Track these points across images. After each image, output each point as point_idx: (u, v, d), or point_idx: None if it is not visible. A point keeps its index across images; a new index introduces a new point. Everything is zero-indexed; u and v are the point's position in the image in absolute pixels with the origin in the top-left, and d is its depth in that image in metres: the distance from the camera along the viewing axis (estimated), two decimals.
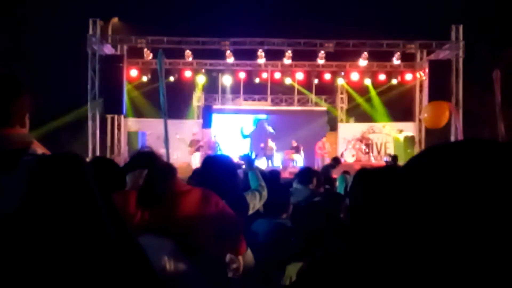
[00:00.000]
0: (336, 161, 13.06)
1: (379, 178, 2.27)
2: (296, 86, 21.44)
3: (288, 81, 20.36)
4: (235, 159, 4.52)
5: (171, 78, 19.32)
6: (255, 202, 3.96)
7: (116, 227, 1.50)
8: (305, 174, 6.28)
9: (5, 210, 1.47)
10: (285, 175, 14.37)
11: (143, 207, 2.58)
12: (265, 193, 4.08)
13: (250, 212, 3.91)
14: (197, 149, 18.42)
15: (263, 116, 21.67)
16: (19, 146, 2.31)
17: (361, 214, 2.20)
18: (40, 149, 2.36)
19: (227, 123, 21.64)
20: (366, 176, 2.54)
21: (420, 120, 19.63)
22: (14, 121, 2.33)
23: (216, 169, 3.76)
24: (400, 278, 0.60)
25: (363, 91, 21.35)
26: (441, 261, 0.57)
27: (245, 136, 20.59)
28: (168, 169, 2.84)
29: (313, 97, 22.14)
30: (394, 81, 20.24)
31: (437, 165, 0.64)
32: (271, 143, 19.86)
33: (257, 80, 20.37)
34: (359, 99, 21.79)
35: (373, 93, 21.22)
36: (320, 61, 19.38)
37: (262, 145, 19.94)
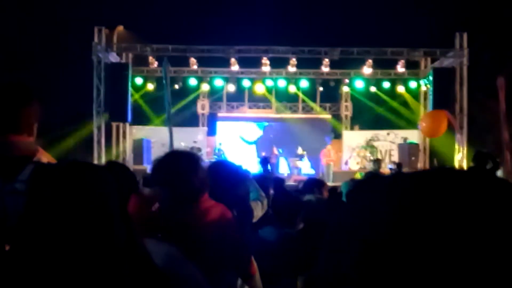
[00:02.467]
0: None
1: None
2: (301, 93, 21.46)
3: (292, 88, 20.36)
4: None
5: (176, 86, 19.38)
6: (258, 211, 3.96)
7: (126, 232, 1.53)
8: (312, 183, 6.34)
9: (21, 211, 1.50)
10: (290, 182, 14.36)
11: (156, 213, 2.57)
12: (265, 202, 4.09)
13: (254, 220, 3.92)
14: None
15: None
16: (25, 153, 2.35)
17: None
18: (45, 158, 2.40)
19: (232, 131, 21.67)
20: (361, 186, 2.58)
21: None
22: (22, 129, 2.37)
23: (222, 176, 3.74)
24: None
25: (367, 98, 21.34)
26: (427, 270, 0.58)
27: (250, 143, 20.62)
28: (199, 189, 2.65)
29: (317, 104, 22.17)
30: (399, 89, 20.24)
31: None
32: (276, 151, 19.89)
33: (261, 88, 20.38)
34: (364, 107, 21.78)
35: (377, 100, 21.22)
36: (325, 69, 19.42)
37: (263, 153, 19.96)
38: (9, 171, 2.26)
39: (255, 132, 21.78)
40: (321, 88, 20.49)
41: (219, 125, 21.78)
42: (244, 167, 4.55)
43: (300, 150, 19.92)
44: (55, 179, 1.52)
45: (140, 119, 20.26)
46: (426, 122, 16.62)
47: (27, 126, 2.41)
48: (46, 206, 1.46)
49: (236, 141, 21.20)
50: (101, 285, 1.40)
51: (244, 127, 21.82)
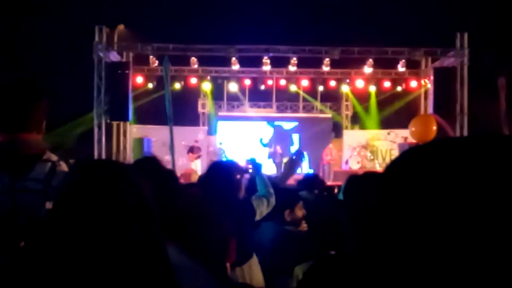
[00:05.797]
0: None
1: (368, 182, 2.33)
2: (301, 93, 21.46)
3: (293, 88, 20.37)
4: (242, 163, 4.52)
5: (177, 85, 19.39)
6: (263, 209, 3.96)
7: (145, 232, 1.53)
8: (310, 180, 6.32)
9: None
10: (290, 181, 14.34)
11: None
12: (273, 199, 4.07)
13: (258, 218, 3.92)
14: (198, 157, 18.43)
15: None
16: (34, 151, 2.36)
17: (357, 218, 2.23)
18: (53, 156, 2.41)
19: (233, 130, 21.66)
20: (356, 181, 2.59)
21: None
22: (31, 127, 2.38)
23: (220, 175, 3.77)
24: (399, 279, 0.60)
25: (368, 98, 21.33)
26: (437, 263, 0.57)
27: (264, 145, 20.63)
28: (173, 177, 2.87)
29: (318, 104, 22.16)
30: (399, 88, 20.25)
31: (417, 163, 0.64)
32: (280, 150, 19.94)
33: (262, 87, 20.40)
34: (364, 106, 21.77)
35: (378, 100, 21.20)
36: (325, 68, 19.41)
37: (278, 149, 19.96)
38: (19, 169, 2.27)
39: (269, 133, 21.70)
40: (321, 88, 20.50)
41: (220, 124, 21.77)
42: (257, 161, 4.56)
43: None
44: (81, 177, 1.54)
45: (141, 118, 20.24)
46: (415, 127, 16.57)
47: (36, 124, 2.42)
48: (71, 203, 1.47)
49: (237, 140, 21.16)
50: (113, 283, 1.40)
51: (257, 128, 21.72)
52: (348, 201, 2.69)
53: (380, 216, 0.64)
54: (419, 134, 16.09)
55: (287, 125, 21.91)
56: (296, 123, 21.89)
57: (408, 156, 0.69)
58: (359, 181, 2.45)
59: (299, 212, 4.21)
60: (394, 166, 0.70)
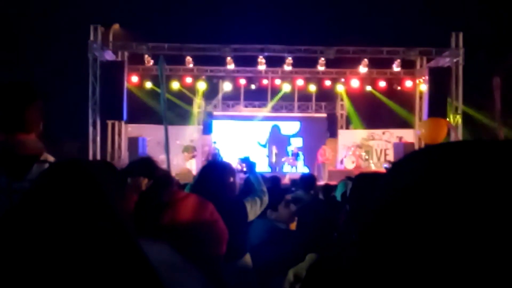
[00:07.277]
0: None
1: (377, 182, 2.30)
2: (296, 92, 21.48)
3: (288, 87, 20.36)
4: (235, 164, 4.53)
5: (172, 85, 19.37)
6: (256, 209, 3.96)
7: (117, 228, 1.51)
8: (307, 180, 6.32)
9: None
10: (285, 181, 14.37)
11: (142, 212, 2.60)
12: (266, 198, 4.08)
13: (252, 218, 3.92)
14: (193, 156, 18.44)
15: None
16: (32, 152, 2.36)
17: (360, 219, 2.21)
18: (50, 156, 2.41)
19: (228, 130, 21.67)
20: (364, 180, 2.58)
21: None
22: (29, 127, 2.39)
23: (213, 176, 3.77)
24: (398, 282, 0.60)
25: (363, 98, 21.35)
26: (439, 265, 0.57)
27: (263, 146, 20.68)
28: (168, 178, 2.86)
29: (313, 103, 22.18)
30: (394, 88, 20.25)
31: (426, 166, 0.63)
32: (275, 150, 20.00)
33: (257, 87, 20.38)
34: (359, 106, 21.79)
35: (373, 100, 21.22)
36: (321, 68, 19.40)
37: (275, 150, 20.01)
38: (17, 170, 2.27)
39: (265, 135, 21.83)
40: (316, 87, 20.48)
41: (215, 123, 21.77)
42: (251, 160, 4.57)
43: (294, 148, 19.97)
44: (50, 176, 1.52)
45: (136, 117, 20.20)
46: (425, 129, 16.61)
47: (33, 125, 2.42)
48: (32, 200, 1.46)
49: (231, 140, 21.16)
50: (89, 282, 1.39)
51: (249, 128, 21.78)
52: (354, 201, 2.65)
53: (386, 217, 0.63)
54: (429, 136, 16.13)
55: (287, 129, 21.98)
56: (298, 122, 22.00)
57: (417, 158, 0.68)
58: (369, 181, 2.43)
59: (283, 211, 4.23)
60: (402, 166, 0.68)
